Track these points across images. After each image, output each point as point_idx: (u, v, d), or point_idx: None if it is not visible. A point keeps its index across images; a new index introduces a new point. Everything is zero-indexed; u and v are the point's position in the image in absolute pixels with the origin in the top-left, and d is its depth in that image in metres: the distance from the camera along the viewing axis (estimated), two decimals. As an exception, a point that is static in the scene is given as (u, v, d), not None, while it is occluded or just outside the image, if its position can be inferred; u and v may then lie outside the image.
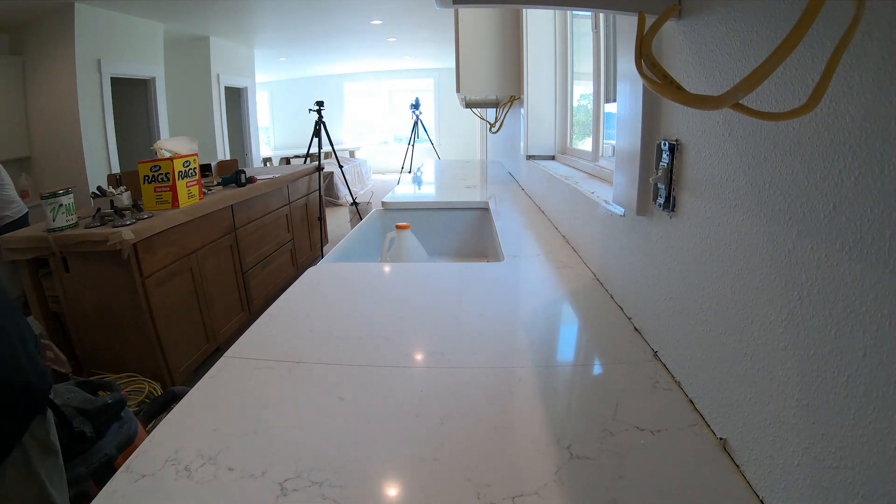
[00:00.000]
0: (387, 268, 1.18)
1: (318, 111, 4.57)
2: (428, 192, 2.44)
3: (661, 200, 0.68)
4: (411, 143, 8.07)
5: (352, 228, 1.61)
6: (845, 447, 0.36)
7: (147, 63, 4.61)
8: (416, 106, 8.07)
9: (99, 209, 2.13)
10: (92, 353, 2.14)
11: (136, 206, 2.26)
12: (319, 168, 4.12)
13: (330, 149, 5.15)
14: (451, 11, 2.60)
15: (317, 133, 4.57)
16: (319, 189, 4.14)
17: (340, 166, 5.09)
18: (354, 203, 4.60)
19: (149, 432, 1.13)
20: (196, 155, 2.45)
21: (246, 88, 6.51)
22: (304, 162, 4.98)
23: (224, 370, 0.72)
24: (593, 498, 0.47)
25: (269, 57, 7.20)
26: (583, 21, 1.74)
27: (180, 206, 2.30)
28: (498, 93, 2.51)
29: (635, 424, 0.56)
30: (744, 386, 0.49)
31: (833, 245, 0.37)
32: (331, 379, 0.69)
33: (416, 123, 8.08)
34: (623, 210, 0.83)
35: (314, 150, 4.55)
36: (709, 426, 0.56)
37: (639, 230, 0.79)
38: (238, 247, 2.80)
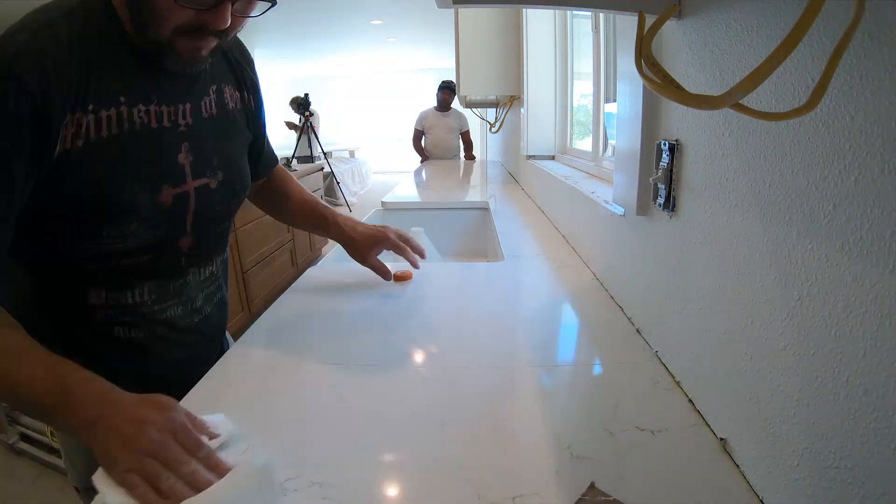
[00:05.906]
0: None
1: (305, 105, 4.32)
2: (428, 191, 2.44)
3: (661, 200, 0.68)
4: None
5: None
6: (845, 447, 0.36)
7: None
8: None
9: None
10: (92, 353, 2.14)
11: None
12: (330, 169, 4.06)
13: (319, 149, 4.99)
14: (451, 11, 2.60)
15: (303, 129, 4.39)
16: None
17: (331, 170, 4.92)
18: (348, 206, 4.53)
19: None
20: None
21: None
22: (289, 162, 4.77)
23: (223, 370, 0.72)
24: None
25: (268, 57, 7.20)
26: (583, 21, 1.74)
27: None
28: (498, 93, 2.51)
29: (635, 424, 0.56)
30: (744, 386, 0.49)
31: (833, 245, 0.37)
32: (331, 379, 0.69)
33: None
34: (623, 210, 0.83)
35: (309, 148, 4.43)
36: (709, 426, 0.56)
37: (639, 230, 0.79)
38: (238, 247, 2.80)
